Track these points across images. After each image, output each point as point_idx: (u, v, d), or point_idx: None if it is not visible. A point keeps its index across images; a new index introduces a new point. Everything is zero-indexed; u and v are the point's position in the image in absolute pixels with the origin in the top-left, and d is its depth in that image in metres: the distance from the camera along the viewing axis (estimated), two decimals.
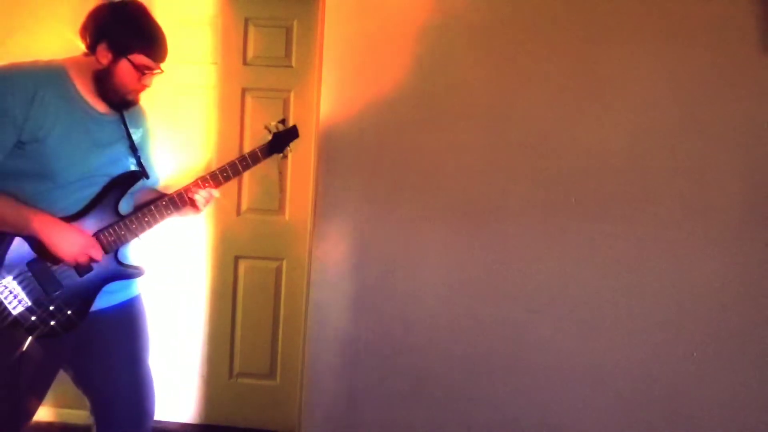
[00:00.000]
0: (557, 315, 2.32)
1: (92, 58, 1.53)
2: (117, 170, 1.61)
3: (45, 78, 1.50)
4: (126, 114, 1.66)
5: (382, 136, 2.34)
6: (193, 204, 1.68)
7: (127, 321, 1.73)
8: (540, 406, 2.36)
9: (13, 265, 1.47)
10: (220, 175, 1.70)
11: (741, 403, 2.26)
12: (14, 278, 1.46)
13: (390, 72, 2.33)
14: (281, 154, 1.83)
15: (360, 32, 2.33)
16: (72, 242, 1.48)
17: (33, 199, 1.49)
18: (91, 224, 1.55)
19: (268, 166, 1.85)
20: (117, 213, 1.59)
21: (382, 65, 2.33)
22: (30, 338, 1.49)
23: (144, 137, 1.75)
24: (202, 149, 2.64)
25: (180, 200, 1.66)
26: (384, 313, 2.38)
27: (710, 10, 2.20)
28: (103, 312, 1.63)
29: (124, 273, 1.63)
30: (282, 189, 2.60)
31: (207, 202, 1.69)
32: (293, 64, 2.58)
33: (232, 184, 1.82)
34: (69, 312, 1.53)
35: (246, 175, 2.36)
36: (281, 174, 2.56)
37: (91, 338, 1.63)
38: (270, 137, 1.79)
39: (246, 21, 2.57)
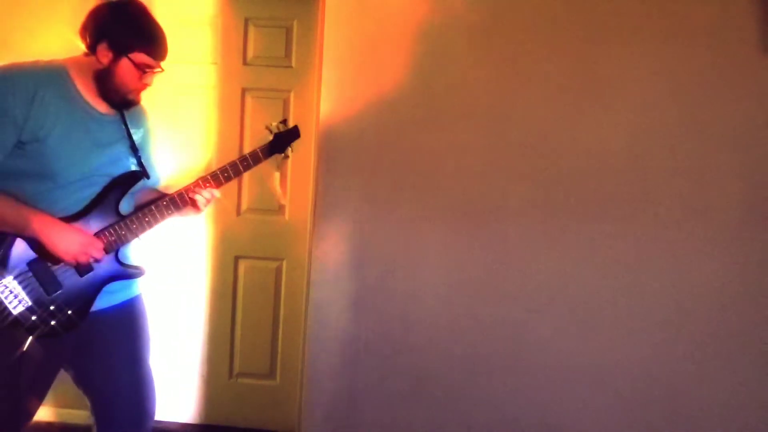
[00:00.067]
0: (557, 315, 2.32)
1: (93, 58, 1.53)
2: (117, 170, 1.61)
3: (45, 78, 1.50)
4: (126, 114, 1.66)
5: (382, 136, 2.34)
6: (193, 204, 1.68)
7: (127, 321, 1.73)
8: (540, 406, 2.36)
9: (13, 264, 1.47)
10: (221, 175, 1.70)
11: (741, 402, 2.26)
12: (15, 278, 1.46)
13: (390, 72, 2.33)
14: (282, 155, 1.83)
15: (360, 32, 2.33)
16: (72, 242, 1.48)
17: (33, 199, 1.49)
18: (91, 224, 1.55)
19: (268, 166, 1.85)
20: (117, 213, 1.59)
21: (382, 65, 2.33)
22: (30, 338, 1.49)
23: (145, 137, 1.75)
24: (202, 149, 2.64)
25: (181, 200, 1.66)
26: (384, 313, 2.39)
27: (710, 10, 2.21)
28: (103, 312, 1.63)
29: (125, 273, 1.63)
30: (281, 189, 2.60)
31: (208, 202, 1.69)
32: (293, 64, 2.58)
33: (233, 184, 1.82)
34: (69, 312, 1.53)
35: (246, 175, 2.35)
36: (281, 174, 2.57)
37: (92, 338, 1.63)
38: (271, 137, 1.80)
39: (246, 21, 2.57)
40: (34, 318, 1.48)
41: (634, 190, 2.27)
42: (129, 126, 1.66)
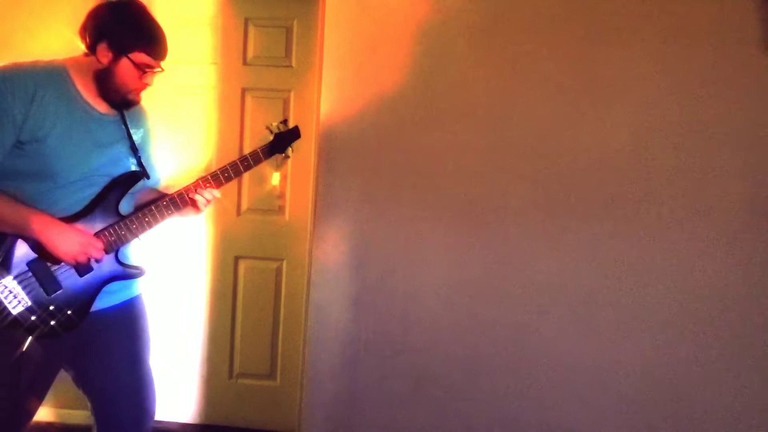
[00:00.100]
0: (558, 315, 2.32)
1: (93, 58, 1.53)
2: (118, 170, 1.61)
3: (45, 78, 1.50)
4: (127, 114, 1.65)
5: (383, 136, 2.34)
6: (193, 204, 1.68)
7: (127, 321, 1.73)
8: (541, 407, 2.36)
9: (13, 265, 1.46)
10: (221, 176, 1.70)
11: (744, 404, 2.26)
12: (14, 278, 1.46)
13: (390, 72, 2.33)
14: (283, 155, 1.83)
15: (360, 32, 2.33)
16: (71, 242, 1.48)
17: (33, 200, 1.48)
18: (91, 224, 1.54)
19: (267, 166, 1.85)
20: (117, 213, 1.59)
21: (382, 65, 2.33)
22: (30, 338, 1.48)
23: (145, 137, 1.75)
24: (202, 149, 2.63)
25: (181, 200, 1.66)
26: (384, 313, 2.38)
27: (711, 9, 2.20)
28: (103, 312, 1.63)
29: (125, 273, 1.63)
30: (280, 190, 2.60)
31: (208, 202, 1.69)
32: (293, 64, 2.58)
33: (233, 184, 1.82)
34: (69, 312, 1.53)
35: (246, 175, 2.35)
36: (280, 174, 2.57)
37: (92, 338, 1.63)
38: (271, 137, 1.79)
39: (246, 21, 2.57)
40: (33, 318, 1.48)
41: (636, 190, 2.27)
42: (129, 126, 1.65)
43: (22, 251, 1.47)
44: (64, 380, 1.69)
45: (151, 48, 1.55)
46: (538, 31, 2.28)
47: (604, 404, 2.33)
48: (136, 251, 1.72)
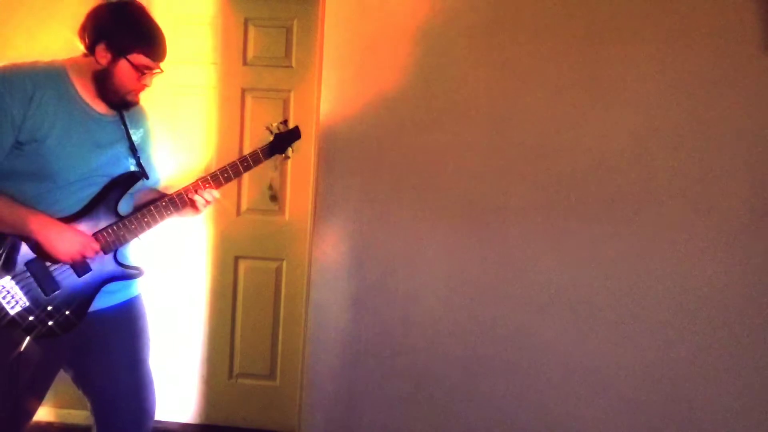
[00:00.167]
0: (558, 316, 2.32)
1: (91, 59, 1.53)
2: (117, 171, 1.61)
3: (44, 78, 1.50)
4: (126, 114, 1.65)
5: (383, 136, 2.34)
6: (192, 205, 1.68)
7: (127, 321, 1.73)
8: (541, 408, 2.35)
9: (11, 265, 1.46)
10: (220, 176, 1.70)
11: (743, 404, 2.25)
12: (12, 278, 1.46)
13: (390, 72, 2.32)
14: (283, 155, 1.83)
15: (360, 32, 2.32)
16: (69, 242, 1.48)
17: (33, 200, 1.49)
18: (90, 224, 1.55)
19: (267, 166, 1.85)
20: (116, 213, 1.59)
21: (382, 65, 2.32)
22: (28, 338, 1.48)
23: (144, 137, 1.74)
24: (202, 149, 2.63)
25: (180, 201, 1.66)
26: (384, 313, 2.38)
27: (712, 10, 2.19)
28: (103, 312, 1.63)
29: (123, 273, 1.63)
30: (277, 189, 2.60)
31: (207, 203, 1.69)
32: (293, 64, 2.58)
33: (232, 184, 1.82)
34: (67, 312, 1.53)
35: (246, 176, 2.36)
36: (280, 174, 2.57)
37: (91, 338, 1.63)
38: (271, 138, 1.79)
39: (246, 21, 2.57)
40: (31, 318, 1.48)
41: (636, 191, 2.26)
42: (128, 126, 1.65)
43: (20, 251, 1.47)
44: (64, 380, 1.69)
45: (150, 49, 1.55)
46: (539, 32, 2.27)
47: (604, 404, 2.32)
48: (135, 251, 1.72)
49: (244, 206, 2.65)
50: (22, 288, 1.47)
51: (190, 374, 2.72)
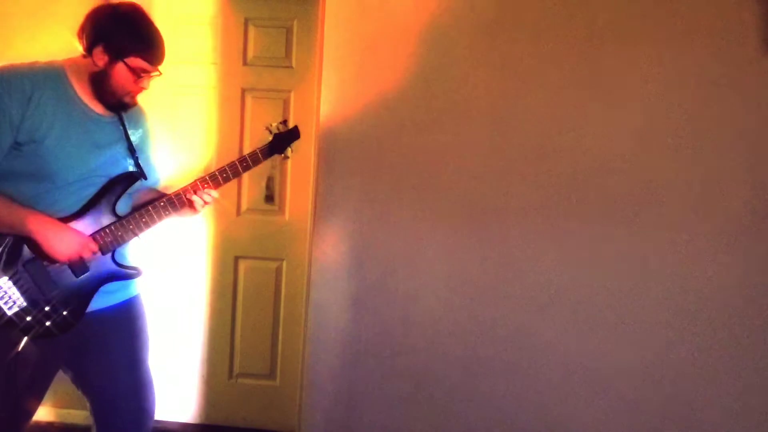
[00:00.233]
0: (559, 316, 2.32)
1: (89, 60, 1.53)
2: (116, 171, 1.61)
3: (42, 79, 1.50)
4: (125, 115, 1.65)
5: (383, 136, 2.34)
6: (191, 205, 1.68)
7: (126, 321, 1.73)
8: (541, 408, 2.35)
9: (8, 265, 1.46)
10: (219, 176, 1.70)
11: (743, 405, 2.25)
12: (10, 278, 1.46)
13: (390, 72, 2.32)
14: (282, 155, 1.82)
15: (360, 33, 2.32)
16: (68, 242, 1.48)
17: (31, 200, 1.49)
18: (88, 225, 1.55)
19: (267, 167, 1.85)
20: (114, 213, 1.59)
21: (382, 65, 2.32)
22: (25, 339, 1.48)
23: (143, 138, 1.74)
24: (202, 149, 2.63)
25: (178, 201, 1.66)
26: (384, 313, 2.38)
27: (713, 10, 2.19)
28: (102, 312, 1.63)
29: (121, 273, 1.63)
30: (274, 190, 2.60)
31: (206, 203, 1.69)
32: (293, 64, 2.57)
33: (232, 184, 1.82)
34: (65, 312, 1.53)
35: (246, 176, 2.36)
36: (279, 174, 2.57)
37: (90, 339, 1.63)
38: (271, 138, 1.79)
39: (246, 21, 2.57)
40: (29, 319, 1.48)
41: (637, 192, 2.26)
42: (127, 127, 1.65)
43: (18, 251, 1.47)
44: (63, 380, 1.70)
45: (148, 53, 1.54)
46: (539, 32, 2.27)
47: (604, 405, 2.32)
48: (133, 251, 1.72)
49: (244, 206, 2.65)
50: (19, 288, 1.47)
51: (190, 374, 2.72)
